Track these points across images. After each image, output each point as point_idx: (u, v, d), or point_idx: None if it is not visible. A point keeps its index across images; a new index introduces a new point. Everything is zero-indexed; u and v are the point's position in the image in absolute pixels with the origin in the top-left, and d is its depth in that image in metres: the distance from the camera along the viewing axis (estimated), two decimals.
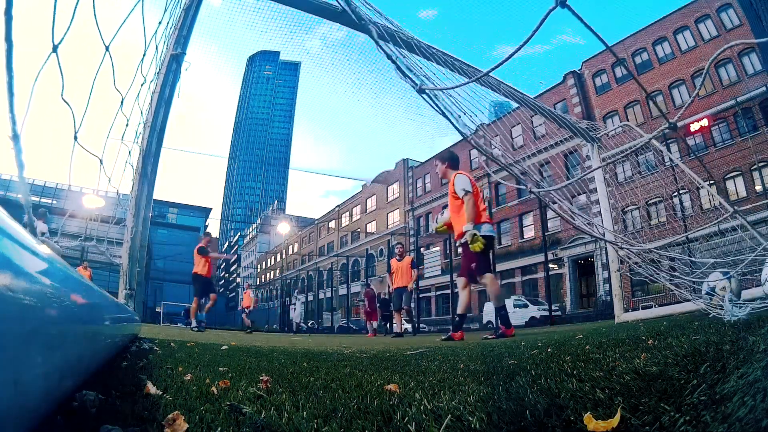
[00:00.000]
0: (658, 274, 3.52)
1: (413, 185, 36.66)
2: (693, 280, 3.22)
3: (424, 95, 1.66)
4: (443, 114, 1.72)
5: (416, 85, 1.64)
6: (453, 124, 1.75)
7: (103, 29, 1.86)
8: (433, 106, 1.71)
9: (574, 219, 3.22)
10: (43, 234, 6.98)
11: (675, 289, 3.33)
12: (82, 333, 0.71)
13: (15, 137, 1.00)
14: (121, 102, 2.60)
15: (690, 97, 20.61)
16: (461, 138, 2.04)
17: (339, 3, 2.64)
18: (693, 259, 3.33)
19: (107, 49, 1.97)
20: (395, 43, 2.37)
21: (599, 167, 5.78)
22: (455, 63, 3.96)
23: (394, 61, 1.69)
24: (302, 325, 20.17)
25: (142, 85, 2.99)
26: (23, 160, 1.03)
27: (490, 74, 4.30)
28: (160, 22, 3.23)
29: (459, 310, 4.50)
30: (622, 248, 5.15)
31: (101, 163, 2.46)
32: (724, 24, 19.63)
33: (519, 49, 1.12)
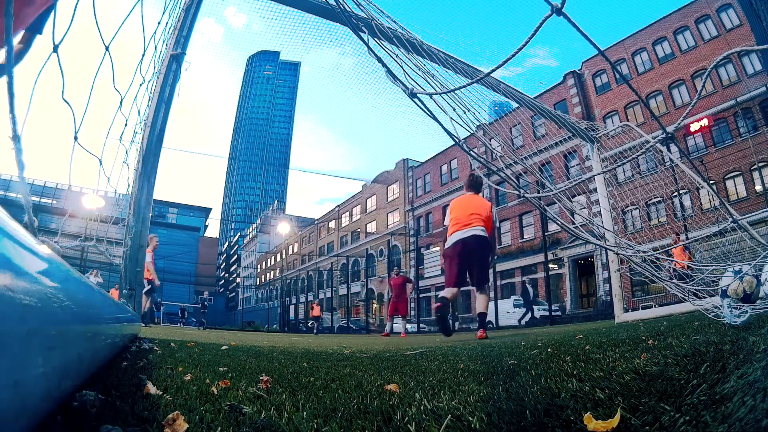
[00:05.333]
0: (658, 274, 3.52)
1: (413, 185, 36.65)
2: (694, 283, 3.22)
3: (415, 99, 1.64)
4: (434, 118, 1.70)
5: (407, 89, 1.62)
6: (444, 129, 1.72)
7: (103, 29, 1.86)
8: (424, 111, 1.69)
9: (573, 220, 3.22)
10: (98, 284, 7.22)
11: (675, 288, 3.33)
12: (82, 333, 0.71)
13: (15, 138, 1.00)
14: (120, 102, 2.59)
15: (690, 98, 20.61)
16: (461, 137, 2.02)
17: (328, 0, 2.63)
18: (693, 264, 3.33)
19: (107, 49, 1.97)
20: (391, 41, 2.36)
21: (602, 172, 5.77)
22: (457, 64, 3.96)
23: (384, 65, 1.67)
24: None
25: (140, 85, 2.99)
26: (23, 161, 1.03)
27: (490, 75, 4.30)
28: (159, 22, 3.23)
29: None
30: (617, 254, 5.15)
31: (101, 164, 2.46)
32: (724, 24, 19.64)
33: (515, 54, 1.11)
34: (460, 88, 2.21)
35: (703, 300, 3.17)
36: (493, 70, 1.23)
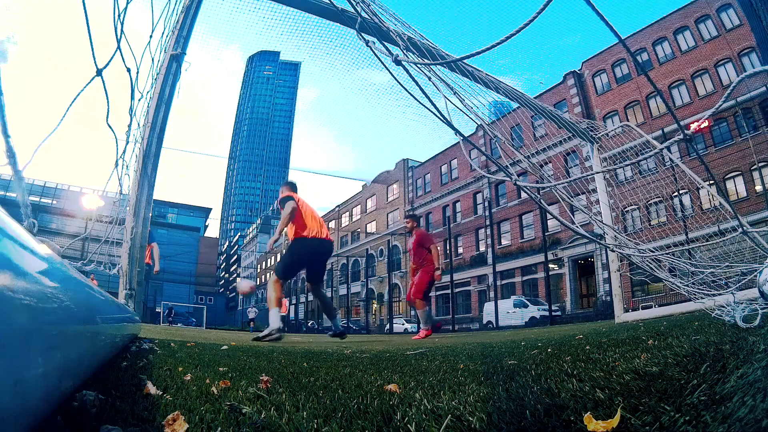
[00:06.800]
0: (659, 271, 3.51)
1: (413, 185, 36.66)
2: (697, 282, 3.21)
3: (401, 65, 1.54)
4: (424, 93, 1.62)
5: (391, 54, 1.55)
6: (430, 107, 1.63)
7: (102, 30, 1.86)
8: (414, 79, 1.59)
9: (573, 218, 3.22)
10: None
11: (682, 287, 3.31)
12: (82, 333, 0.71)
13: (11, 155, 1.00)
14: (132, 110, 2.59)
15: (690, 98, 20.61)
16: (461, 137, 2.01)
17: None
18: (695, 262, 3.32)
19: (118, 45, 1.98)
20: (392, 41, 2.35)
21: (602, 171, 5.76)
22: (458, 64, 3.96)
23: (367, 44, 1.61)
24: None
25: (137, 84, 2.99)
26: (22, 175, 1.03)
27: (490, 75, 4.30)
28: (156, 24, 3.23)
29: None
30: (613, 251, 5.13)
31: (116, 165, 2.46)
32: (724, 24, 19.64)
33: (519, 30, 1.10)
34: (452, 60, 2.15)
35: (708, 299, 3.15)
36: (498, 43, 1.18)
